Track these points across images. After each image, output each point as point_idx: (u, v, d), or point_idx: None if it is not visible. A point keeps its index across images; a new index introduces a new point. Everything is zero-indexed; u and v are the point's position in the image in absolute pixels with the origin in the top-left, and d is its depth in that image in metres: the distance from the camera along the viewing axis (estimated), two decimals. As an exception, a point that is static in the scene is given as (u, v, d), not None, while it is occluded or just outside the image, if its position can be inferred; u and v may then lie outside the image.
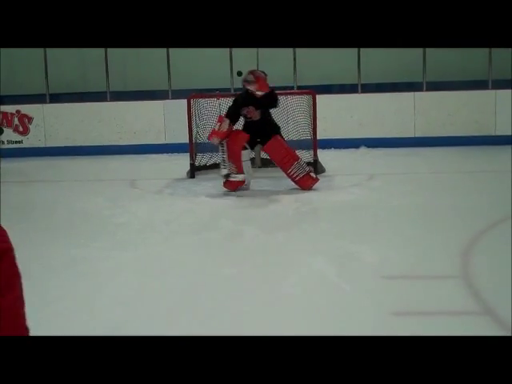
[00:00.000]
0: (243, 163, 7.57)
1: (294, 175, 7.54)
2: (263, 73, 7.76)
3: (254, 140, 7.64)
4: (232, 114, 7.56)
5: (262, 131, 7.58)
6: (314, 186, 7.51)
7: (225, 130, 7.40)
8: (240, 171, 7.53)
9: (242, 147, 7.54)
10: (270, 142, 7.56)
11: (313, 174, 7.64)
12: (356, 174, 8.58)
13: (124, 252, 5.18)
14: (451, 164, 9.20)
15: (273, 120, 7.84)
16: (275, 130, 7.72)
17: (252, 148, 7.75)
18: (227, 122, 7.41)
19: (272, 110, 8.98)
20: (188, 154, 8.76)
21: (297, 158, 7.60)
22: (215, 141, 7.51)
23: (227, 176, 7.51)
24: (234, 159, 7.52)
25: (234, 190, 7.54)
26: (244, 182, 7.62)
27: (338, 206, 6.68)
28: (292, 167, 7.52)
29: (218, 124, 7.51)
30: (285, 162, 7.56)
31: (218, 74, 11.49)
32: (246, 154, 7.66)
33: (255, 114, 7.50)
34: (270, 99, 7.53)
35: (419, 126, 10.93)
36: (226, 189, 7.54)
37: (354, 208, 6.61)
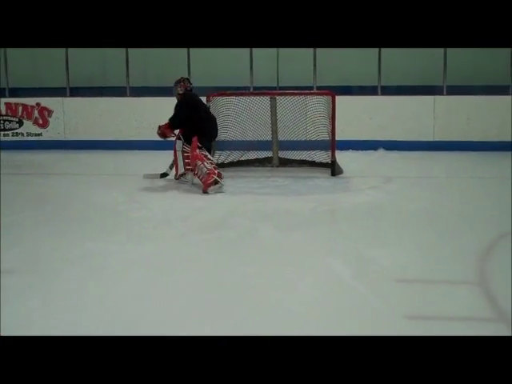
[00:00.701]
0: (177, 153, 7.99)
1: (198, 175, 7.61)
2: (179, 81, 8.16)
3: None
4: None
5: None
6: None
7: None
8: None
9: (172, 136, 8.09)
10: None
11: (212, 178, 7.45)
12: (373, 176, 8.54)
13: (139, 247, 5.19)
14: (469, 169, 9.15)
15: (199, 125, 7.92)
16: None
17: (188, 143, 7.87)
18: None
19: (290, 109, 9.04)
20: (206, 151, 8.75)
21: (200, 159, 7.63)
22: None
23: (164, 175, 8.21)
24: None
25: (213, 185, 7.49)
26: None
27: (355, 208, 6.65)
28: (196, 167, 7.64)
29: None
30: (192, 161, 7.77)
31: (238, 72, 11.49)
32: (179, 144, 7.96)
33: None
34: None
35: (438, 129, 10.89)
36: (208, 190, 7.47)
37: (370, 210, 6.58)
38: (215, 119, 8.27)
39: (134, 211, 6.52)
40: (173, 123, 7.96)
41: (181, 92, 8.02)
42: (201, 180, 7.55)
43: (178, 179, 8.09)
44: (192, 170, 7.79)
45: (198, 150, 7.73)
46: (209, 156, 7.89)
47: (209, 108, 8.44)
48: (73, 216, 6.37)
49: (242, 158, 9.16)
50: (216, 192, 7.42)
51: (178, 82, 8.06)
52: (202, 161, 7.63)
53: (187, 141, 7.84)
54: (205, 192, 7.40)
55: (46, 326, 3.51)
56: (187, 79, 8.21)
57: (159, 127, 8.03)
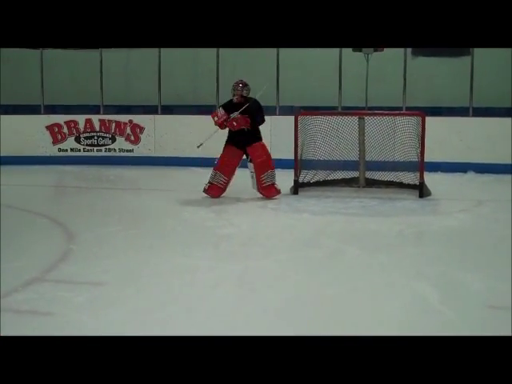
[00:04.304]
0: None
1: (263, 182, 8.19)
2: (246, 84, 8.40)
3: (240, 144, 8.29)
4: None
5: (247, 137, 8.25)
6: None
7: (222, 119, 8.21)
8: (225, 184, 8.31)
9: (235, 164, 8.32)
10: (256, 144, 8.24)
11: (277, 186, 8.28)
12: (463, 199, 8.37)
13: (226, 264, 5.26)
14: None
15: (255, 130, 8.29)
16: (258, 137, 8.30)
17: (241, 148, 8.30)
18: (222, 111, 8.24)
19: (378, 130, 8.99)
20: (292, 170, 8.81)
21: (272, 168, 8.24)
22: (215, 119, 8.22)
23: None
24: (225, 172, 8.29)
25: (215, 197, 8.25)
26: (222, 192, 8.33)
27: (443, 231, 6.54)
28: (265, 174, 8.17)
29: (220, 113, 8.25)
30: (261, 167, 8.16)
31: (327, 92, 11.52)
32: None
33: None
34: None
35: (531, 152, 10.54)
36: (206, 194, 8.31)
37: (459, 234, 6.45)
38: None
39: (221, 228, 6.63)
40: (262, 121, 8.30)
41: (246, 95, 8.25)
42: (263, 186, 8.19)
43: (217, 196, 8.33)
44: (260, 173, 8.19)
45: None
46: None
47: None
48: (163, 231, 6.52)
49: (329, 178, 9.14)
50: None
51: (246, 85, 8.30)
52: (273, 170, 8.25)
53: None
54: (267, 196, 8.20)
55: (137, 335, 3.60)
56: None
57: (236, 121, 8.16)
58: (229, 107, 8.24)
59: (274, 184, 8.26)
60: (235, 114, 8.09)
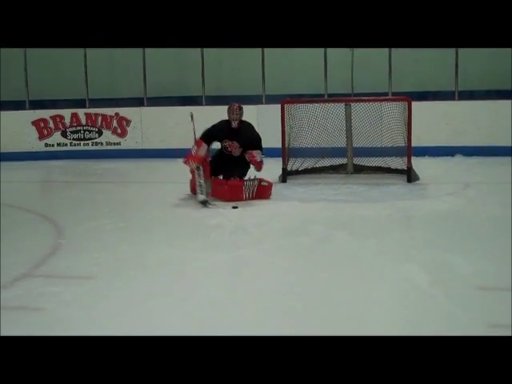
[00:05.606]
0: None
1: (251, 195, 7.43)
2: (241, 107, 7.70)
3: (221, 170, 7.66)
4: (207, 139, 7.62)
5: (232, 167, 7.60)
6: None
7: (202, 154, 7.47)
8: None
9: None
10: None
11: (264, 183, 7.52)
12: (451, 182, 8.39)
13: (216, 253, 5.26)
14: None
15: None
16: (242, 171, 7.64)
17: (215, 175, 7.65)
18: (205, 147, 7.51)
19: (365, 116, 8.96)
20: (280, 158, 8.81)
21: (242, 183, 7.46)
22: (192, 165, 7.46)
23: (205, 203, 7.18)
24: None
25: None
26: None
27: (432, 215, 6.55)
28: (243, 191, 7.43)
29: (195, 148, 7.51)
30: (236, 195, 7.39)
31: (312, 79, 11.51)
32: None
33: (236, 151, 7.61)
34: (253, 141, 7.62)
35: (517, 134, 10.58)
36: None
37: (448, 217, 6.47)
38: None
39: (210, 218, 6.61)
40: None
41: (242, 118, 7.70)
42: (254, 197, 7.42)
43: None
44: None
45: None
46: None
47: None
48: (152, 223, 6.51)
49: (317, 165, 9.15)
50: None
51: (241, 109, 7.67)
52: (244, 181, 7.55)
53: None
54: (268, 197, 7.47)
55: (128, 329, 3.60)
56: None
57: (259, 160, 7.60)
58: (226, 132, 7.66)
59: (259, 185, 7.50)
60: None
